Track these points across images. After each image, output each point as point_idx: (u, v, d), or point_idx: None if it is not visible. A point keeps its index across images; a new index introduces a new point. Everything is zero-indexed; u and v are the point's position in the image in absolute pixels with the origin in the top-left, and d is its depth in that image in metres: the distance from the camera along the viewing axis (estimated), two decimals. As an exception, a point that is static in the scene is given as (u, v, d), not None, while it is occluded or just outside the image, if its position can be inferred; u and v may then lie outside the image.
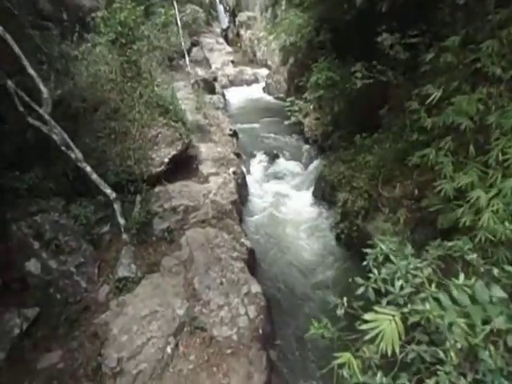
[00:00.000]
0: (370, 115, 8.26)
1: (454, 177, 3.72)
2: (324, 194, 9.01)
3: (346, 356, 2.29)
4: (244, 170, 10.25)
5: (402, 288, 2.29)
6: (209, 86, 14.44)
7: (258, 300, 5.67)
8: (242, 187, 8.98)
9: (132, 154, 7.29)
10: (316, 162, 10.81)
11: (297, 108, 12.53)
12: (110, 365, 4.65)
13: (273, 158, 11.37)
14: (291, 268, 7.01)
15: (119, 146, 7.47)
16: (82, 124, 7.76)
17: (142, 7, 8.86)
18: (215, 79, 19.00)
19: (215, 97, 13.43)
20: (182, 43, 18.75)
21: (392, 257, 2.46)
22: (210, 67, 20.58)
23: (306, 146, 11.93)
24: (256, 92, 18.55)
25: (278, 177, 10.51)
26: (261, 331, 5.32)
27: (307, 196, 9.55)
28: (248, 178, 10.04)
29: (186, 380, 4.65)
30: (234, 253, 6.30)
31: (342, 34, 10.17)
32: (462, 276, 2.21)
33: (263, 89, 18.67)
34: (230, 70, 20.56)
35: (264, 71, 21.19)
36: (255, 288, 5.80)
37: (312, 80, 12.09)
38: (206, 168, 8.59)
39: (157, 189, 7.34)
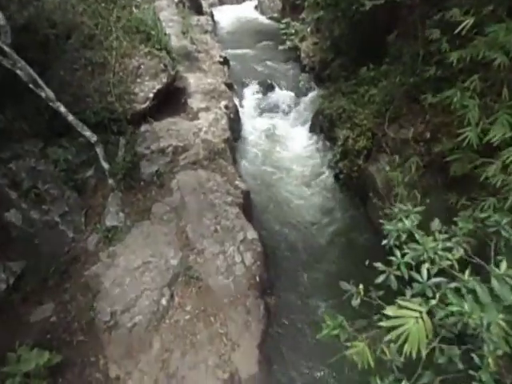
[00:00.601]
0: (375, 41, 7.34)
1: (479, 123, 3.19)
2: (322, 129, 8.40)
3: (358, 346, 1.99)
4: (236, 102, 9.47)
5: (429, 276, 1.91)
6: (195, 4, 12.86)
7: (254, 246, 5.42)
8: (234, 123, 8.31)
9: (112, 89, 6.49)
10: (313, 93, 10.01)
11: (293, 31, 11.31)
12: (103, 318, 4.47)
13: (267, 88, 10.47)
14: (288, 210, 6.68)
15: (98, 80, 6.63)
16: (54, 54, 6.81)
17: None
18: (202, -4, 17.07)
19: (203, 18, 12.01)
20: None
21: (417, 235, 2.04)
22: (197, -18, 18.37)
23: (303, 75, 10.96)
24: (248, 11, 16.78)
25: (272, 110, 9.75)
26: (258, 279, 5.15)
27: (304, 131, 8.94)
28: (241, 111, 9.31)
29: (183, 331, 4.53)
30: (229, 197, 5.90)
31: None
32: (504, 264, 1.82)
33: (255, 7, 16.89)
34: (219, -14, 18.41)
35: (256, -14, 19.05)
36: (251, 234, 5.51)
37: (310, -2, 10.77)
38: (195, 102, 7.82)
39: (142, 128, 6.67)
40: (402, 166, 4.85)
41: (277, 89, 10.51)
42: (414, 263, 1.97)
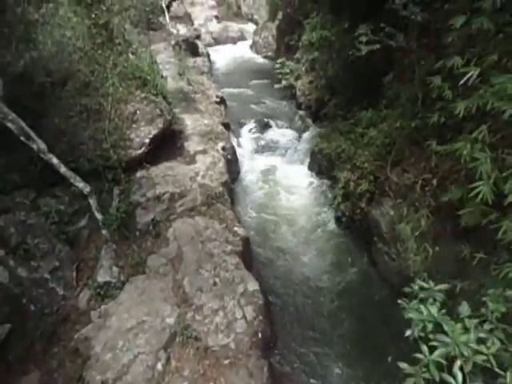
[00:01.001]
0: (370, 81, 7.32)
1: (492, 176, 2.99)
2: (321, 168, 8.25)
3: None
4: (234, 142, 9.37)
5: (464, 379, 1.63)
6: (192, 46, 13.08)
7: (255, 299, 5.08)
8: (232, 164, 8.15)
9: (107, 136, 6.33)
10: (310, 131, 9.97)
11: (288, 70, 11.42)
12: (93, 389, 4.08)
13: (264, 126, 10.43)
14: (288, 257, 6.38)
15: (93, 127, 6.49)
16: (50, 102, 6.72)
17: (109, -42, 7.47)
18: (198, 37, 17.47)
19: (199, 59, 12.16)
20: (161, -2, 16.95)
21: (446, 326, 1.77)
22: (193, 23, 18.86)
23: (299, 112, 10.99)
24: (243, 50, 17.12)
25: (270, 148, 9.64)
26: (260, 335, 4.78)
27: (302, 170, 8.78)
28: (238, 152, 9.18)
29: (181, 399, 4.14)
30: (228, 246, 5.61)
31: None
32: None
33: (250, 47, 17.24)
34: (214, 27, 18.91)
35: (250, 26, 19.56)
36: (252, 286, 5.19)
37: (304, 39, 10.94)
38: (192, 145, 7.68)
39: (138, 174, 6.48)
40: (408, 215, 4.62)
41: (274, 127, 10.47)
42: (444, 362, 1.69)
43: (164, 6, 16.93)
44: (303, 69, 11.72)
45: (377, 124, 6.44)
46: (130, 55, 7.66)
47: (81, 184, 5.16)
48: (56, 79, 6.89)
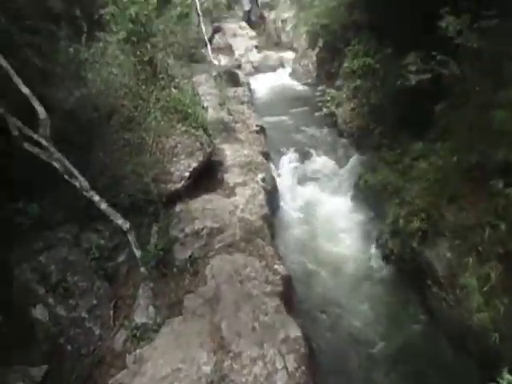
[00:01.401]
0: (418, 109, 6.89)
1: None
2: (366, 200, 7.81)
3: None
4: (274, 172, 9.16)
5: None
6: (232, 77, 13.24)
7: (297, 346, 4.68)
8: (272, 196, 7.91)
9: (148, 170, 6.34)
10: (353, 160, 9.52)
11: (328, 98, 11.16)
12: None
13: (304, 155, 10.13)
14: (332, 299, 5.94)
15: (135, 161, 6.55)
16: (95, 136, 6.89)
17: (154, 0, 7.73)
18: (239, 67, 17.76)
19: (239, 89, 12.23)
20: (203, 31, 17.52)
21: None
22: (234, 54, 19.28)
23: (341, 140, 10.62)
24: (282, 78, 17.09)
25: (311, 178, 9.32)
26: (302, 389, 4.36)
27: (346, 201, 8.36)
28: (278, 182, 8.93)
29: None
30: (268, 286, 5.29)
31: (381, 14, 8.66)
32: None
33: (290, 74, 17.19)
34: (255, 56, 19.14)
35: (290, 55, 19.61)
36: (294, 332, 4.80)
37: (345, 66, 10.72)
38: (231, 177, 7.54)
39: (177, 208, 6.39)
40: (472, 264, 4.09)
41: (315, 156, 10.15)
42: None
43: (207, 39, 17.50)
44: (344, 96, 11.41)
45: (427, 156, 5.97)
46: (173, 89, 7.76)
47: (120, 221, 5.10)
48: (102, 115, 7.09)
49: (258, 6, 25.67)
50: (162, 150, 6.69)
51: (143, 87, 7.37)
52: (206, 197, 6.81)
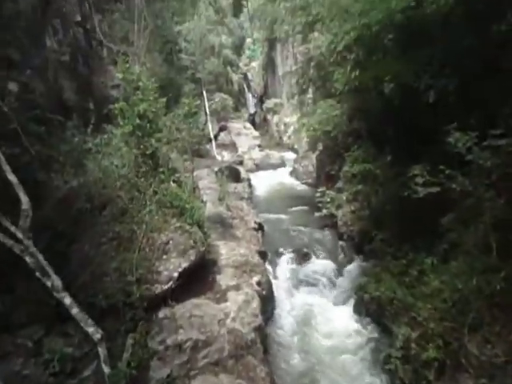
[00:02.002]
0: (423, 219, 6.62)
1: None
2: (369, 313, 7.09)
3: None
4: (270, 274, 8.56)
5: None
6: (234, 172, 13.40)
7: None
8: (267, 302, 7.20)
9: (134, 268, 5.77)
10: (354, 265, 9.01)
11: (328, 199, 11.06)
12: None
13: (303, 257, 9.63)
14: None
15: (121, 256, 6.03)
16: (84, 227, 6.49)
17: (165, 99, 8.02)
18: (241, 163, 18.27)
19: (240, 185, 12.25)
20: (210, 129, 18.43)
21: None
22: (237, 151, 20.04)
23: (341, 243, 10.22)
24: (283, 176, 17.44)
25: (309, 283, 8.67)
26: None
27: (347, 312, 7.61)
28: (275, 285, 8.26)
29: None
30: (257, 423, 4.36)
31: (381, 124, 8.99)
32: None
33: (290, 173, 17.59)
34: (257, 154, 19.88)
35: (291, 155, 20.41)
36: None
37: (345, 170, 10.80)
38: (224, 278, 6.93)
39: (161, 313, 5.67)
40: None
41: (313, 258, 9.65)
42: None
43: (212, 136, 18.33)
44: (344, 198, 11.34)
45: (438, 272, 5.47)
46: (172, 183, 7.60)
47: (91, 328, 4.41)
48: (95, 205, 6.79)
49: (262, 109, 27.65)
50: (153, 245, 6.22)
51: (142, 179, 7.20)
52: (194, 301, 6.12)
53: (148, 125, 7.49)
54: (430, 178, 4.71)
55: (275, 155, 19.78)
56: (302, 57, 18.94)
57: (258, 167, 18.78)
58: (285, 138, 22.79)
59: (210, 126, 18.22)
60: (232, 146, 19.81)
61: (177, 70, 17.50)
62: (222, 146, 19.53)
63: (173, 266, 5.99)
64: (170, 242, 6.30)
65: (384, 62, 7.22)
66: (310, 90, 16.28)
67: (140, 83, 7.60)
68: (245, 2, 20.05)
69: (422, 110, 7.11)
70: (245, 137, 21.49)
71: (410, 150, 7.62)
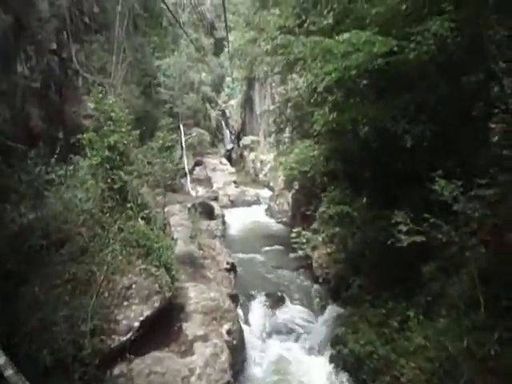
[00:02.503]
0: (403, 266, 6.36)
1: None
2: (346, 365, 6.58)
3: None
4: (241, 319, 7.97)
5: None
6: (207, 209, 12.93)
7: None
8: (237, 352, 6.57)
9: (89, 316, 5.11)
10: (330, 311, 8.55)
11: (304, 240, 10.73)
12: None
13: (277, 301, 9.12)
14: None
15: (76, 302, 5.35)
16: (37, 266, 5.80)
17: (138, 131, 7.64)
18: (216, 199, 17.86)
19: (213, 223, 11.76)
20: (185, 163, 18.07)
21: None
22: (212, 186, 19.67)
23: (316, 287, 9.80)
24: (258, 214, 17.09)
25: (284, 330, 8.11)
26: None
27: (323, 363, 7.07)
28: (246, 331, 7.66)
29: None
30: None
31: (357, 166, 8.92)
32: None
33: (265, 211, 17.29)
34: (232, 190, 19.55)
35: (266, 192, 20.22)
36: None
37: (321, 211, 10.58)
38: (191, 327, 6.30)
39: (116, 370, 4.97)
40: None
41: (288, 302, 9.14)
42: None
43: (187, 170, 17.95)
44: (320, 239, 11.06)
45: (421, 324, 5.12)
46: (140, 220, 7.07)
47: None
48: (52, 241, 6.14)
49: (239, 146, 27.71)
50: (113, 290, 5.59)
51: (107, 215, 6.65)
52: (156, 354, 5.45)
53: (118, 157, 7.06)
54: (414, 225, 4.48)
55: (251, 192, 19.54)
56: (279, 97, 19.28)
57: (233, 204, 18.40)
58: (261, 176, 22.68)
59: (185, 160, 17.87)
60: (207, 182, 19.45)
61: (154, 103, 17.30)
62: (197, 181, 19.13)
63: (134, 315, 5.36)
64: (133, 285, 5.70)
65: (361, 105, 7.22)
66: (287, 130, 16.41)
67: (112, 114, 7.22)
68: (225, 43, 20.51)
69: (400, 154, 7.08)
70: (220, 172, 21.22)
71: (387, 192, 7.50)
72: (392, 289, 6.59)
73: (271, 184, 20.54)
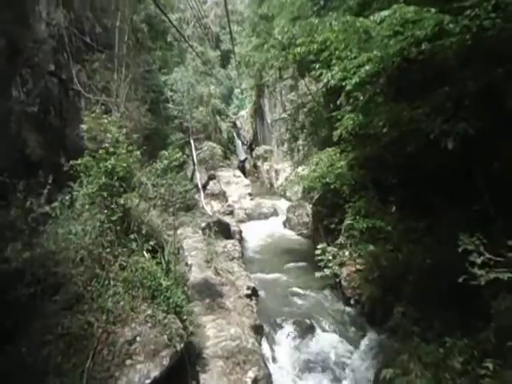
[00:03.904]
0: (461, 293, 5.13)
1: None
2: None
3: None
4: (268, 358, 6.83)
5: None
6: (223, 227, 11.87)
7: None
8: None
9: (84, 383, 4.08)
10: (368, 341, 7.33)
11: (330, 257, 9.53)
12: None
13: (306, 330, 7.91)
14: None
15: (70, 362, 4.34)
16: (25, 318, 4.82)
17: (138, 152, 6.66)
18: (232, 213, 16.86)
19: (230, 243, 10.65)
20: (198, 179, 17.13)
21: None
22: (227, 200, 18.64)
23: (348, 310, 8.58)
24: (276, 227, 15.95)
25: (317, 367, 6.91)
26: None
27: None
28: (273, 370, 6.50)
29: None
30: None
31: (388, 174, 7.74)
32: None
33: (283, 223, 16.12)
34: (248, 203, 18.49)
35: (283, 202, 19.08)
36: None
37: (348, 223, 9.41)
38: (210, 380, 5.20)
39: None
40: None
41: (318, 331, 7.94)
42: None
43: (200, 186, 16.98)
44: (347, 253, 9.86)
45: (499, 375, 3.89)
46: (145, 253, 6.06)
47: None
48: (45, 287, 5.17)
49: (252, 156, 26.71)
50: (113, 346, 4.55)
51: (108, 250, 5.66)
52: (168, 424, 4.37)
53: (117, 183, 6.09)
54: (491, 255, 3.30)
55: (267, 204, 18.39)
56: (290, 104, 18.25)
57: (250, 217, 17.33)
58: (276, 185, 21.58)
59: (198, 175, 16.92)
60: (222, 196, 18.44)
61: (163, 119, 16.48)
62: (212, 196, 18.14)
63: (138, 377, 4.29)
64: (137, 338, 4.64)
65: (392, 104, 6.06)
66: (300, 137, 15.33)
67: (108, 135, 6.28)
68: (231, 55, 19.64)
69: (441, 158, 5.92)
70: (235, 185, 20.21)
71: (428, 206, 6.31)
72: (446, 319, 5.36)
73: (288, 194, 19.40)
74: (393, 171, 7.34)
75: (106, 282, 5.20)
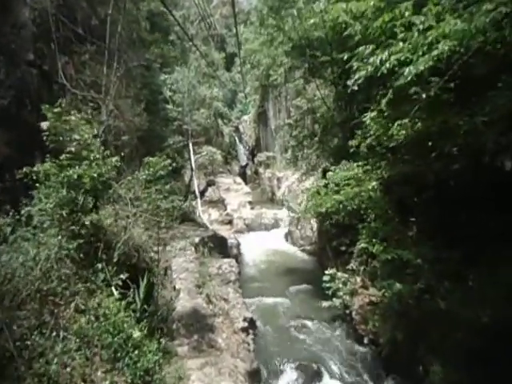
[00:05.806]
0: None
1: None
2: None
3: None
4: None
5: None
6: (219, 243, 10.35)
7: None
8: None
9: None
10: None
11: (340, 285, 8.06)
12: None
13: (312, 377, 6.46)
14: None
15: None
16: None
17: (115, 158, 5.22)
18: (230, 222, 15.42)
19: (226, 264, 9.12)
20: (195, 185, 15.70)
21: None
22: (226, 209, 17.19)
23: (361, 350, 7.11)
24: (277, 240, 14.46)
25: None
26: None
27: None
28: None
29: None
30: None
31: (417, 195, 6.31)
32: None
33: (285, 236, 14.66)
34: (248, 213, 16.98)
35: (285, 213, 17.54)
36: None
37: (361, 247, 7.95)
38: None
39: None
40: None
41: (326, 378, 6.48)
42: None
43: (198, 193, 15.53)
44: (358, 279, 8.40)
45: None
46: (114, 290, 4.59)
47: None
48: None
49: (254, 162, 25.28)
50: None
51: (63, 285, 4.20)
52: None
53: (83, 197, 4.64)
54: None
55: (268, 214, 16.88)
56: (296, 110, 16.84)
57: (249, 228, 15.84)
58: (278, 194, 20.12)
59: (195, 181, 15.47)
60: (220, 203, 17.00)
61: (161, 120, 15.04)
62: (210, 203, 16.70)
63: None
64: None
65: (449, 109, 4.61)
66: (307, 145, 13.90)
67: (76, 136, 4.85)
68: (236, 58, 18.28)
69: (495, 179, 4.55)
70: (235, 193, 18.76)
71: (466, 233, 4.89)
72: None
73: (291, 204, 17.92)
74: (426, 191, 5.92)
75: (54, 334, 3.74)
